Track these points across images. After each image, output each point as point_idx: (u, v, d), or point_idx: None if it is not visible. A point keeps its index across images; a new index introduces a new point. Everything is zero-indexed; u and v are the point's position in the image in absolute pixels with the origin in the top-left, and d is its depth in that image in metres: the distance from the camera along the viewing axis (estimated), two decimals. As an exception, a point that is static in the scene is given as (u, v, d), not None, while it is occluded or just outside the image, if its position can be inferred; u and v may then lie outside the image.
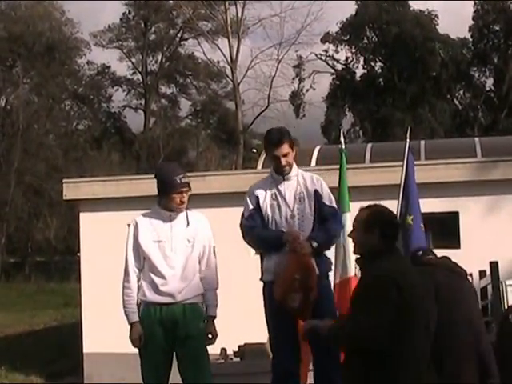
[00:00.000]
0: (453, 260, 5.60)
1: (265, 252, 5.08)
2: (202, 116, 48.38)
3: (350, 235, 4.10)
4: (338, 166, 7.08)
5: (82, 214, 13.23)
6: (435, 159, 11.93)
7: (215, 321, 5.06)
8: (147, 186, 12.16)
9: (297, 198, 5.14)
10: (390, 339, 3.76)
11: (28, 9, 42.76)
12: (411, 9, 42.00)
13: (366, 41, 43.37)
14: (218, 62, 42.44)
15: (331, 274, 5.70)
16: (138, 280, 4.98)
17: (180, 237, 4.98)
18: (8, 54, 41.45)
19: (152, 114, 46.25)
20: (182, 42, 46.06)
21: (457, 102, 42.89)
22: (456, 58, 40.57)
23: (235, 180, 12.27)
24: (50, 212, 38.74)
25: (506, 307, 6.01)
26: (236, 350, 8.87)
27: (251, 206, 5.17)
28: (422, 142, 13.89)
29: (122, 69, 48.01)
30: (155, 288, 4.92)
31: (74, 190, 13.21)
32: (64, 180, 13.73)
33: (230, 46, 37.35)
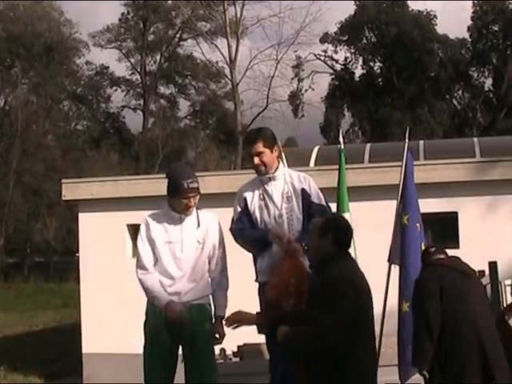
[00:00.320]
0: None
1: (256, 253, 5.09)
2: (200, 116, 48.38)
3: (305, 241, 4.29)
4: (337, 167, 7.08)
5: (80, 215, 13.22)
6: (434, 159, 11.92)
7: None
8: (146, 186, 12.19)
9: (284, 198, 5.13)
10: (347, 340, 3.84)
11: (26, 9, 42.73)
12: (410, 9, 42.01)
13: (364, 41, 43.37)
14: (217, 63, 42.47)
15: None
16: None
17: (190, 238, 4.98)
18: (7, 54, 41.44)
19: (151, 115, 46.23)
20: (180, 43, 46.06)
21: (456, 103, 42.90)
22: (455, 59, 40.58)
23: (234, 180, 12.27)
24: (48, 212, 38.73)
25: (504, 306, 6.02)
26: (235, 350, 8.88)
27: (239, 209, 5.19)
28: (421, 142, 13.89)
29: (120, 69, 48.26)
30: (163, 288, 4.92)
31: (72, 190, 13.20)
32: (63, 180, 13.71)
33: (229, 47, 37.33)
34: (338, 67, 44.07)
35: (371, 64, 43.53)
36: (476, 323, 5.27)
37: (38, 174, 38.91)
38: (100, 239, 12.68)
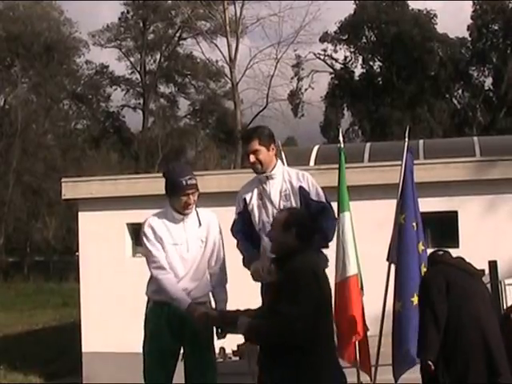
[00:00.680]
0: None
1: (244, 264, 5.09)
2: (200, 115, 48.37)
3: (268, 235, 4.30)
4: (336, 166, 7.07)
5: (80, 214, 13.20)
6: (434, 158, 11.92)
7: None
8: (146, 185, 12.18)
9: (282, 196, 5.13)
10: (312, 330, 3.91)
11: (26, 9, 42.73)
12: (410, 8, 42.01)
13: (364, 40, 43.36)
14: (217, 62, 42.49)
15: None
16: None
17: (194, 238, 4.99)
18: (6, 53, 41.43)
19: (151, 114, 46.22)
20: (180, 42, 46.05)
21: (455, 102, 42.90)
22: (455, 58, 40.57)
23: (233, 179, 12.27)
24: (48, 212, 38.76)
25: (507, 307, 6.04)
26: (235, 349, 8.88)
27: (237, 210, 5.24)
28: (421, 142, 13.88)
29: (120, 68, 48.24)
30: None
31: (72, 189, 13.19)
32: (63, 179, 13.69)
33: (229, 46, 37.33)
34: (338, 66, 44.10)
35: (371, 63, 43.53)
36: (480, 321, 5.32)
37: (37, 174, 38.93)
38: (100, 238, 12.67)
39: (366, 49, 43.04)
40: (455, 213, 11.47)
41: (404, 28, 39.93)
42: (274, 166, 5.18)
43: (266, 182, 5.16)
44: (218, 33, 40.45)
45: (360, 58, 43.51)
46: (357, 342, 6.51)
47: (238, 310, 4.46)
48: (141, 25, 45.59)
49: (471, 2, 40.78)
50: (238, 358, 8.94)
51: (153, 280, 4.99)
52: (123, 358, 11.02)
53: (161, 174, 5.19)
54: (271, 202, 5.12)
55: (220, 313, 4.75)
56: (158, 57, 46.34)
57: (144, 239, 4.97)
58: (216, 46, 39.75)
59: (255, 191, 5.19)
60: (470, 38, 41.29)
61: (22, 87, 42.14)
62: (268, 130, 5.31)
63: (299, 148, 24.17)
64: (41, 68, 41.72)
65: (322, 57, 43.14)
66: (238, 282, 5.20)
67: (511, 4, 39.86)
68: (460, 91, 43.12)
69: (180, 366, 5.03)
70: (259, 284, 5.04)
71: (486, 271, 8.03)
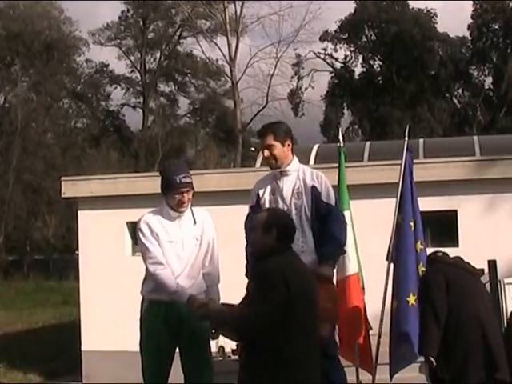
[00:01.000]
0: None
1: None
2: (200, 114, 48.37)
3: (248, 237, 4.30)
4: (336, 165, 7.07)
5: (80, 212, 13.19)
6: (434, 158, 11.91)
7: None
8: (145, 184, 12.17)
9: (294, 193, 5.13)
10: (274, 330, 3.87)
11: (27, 7, 42.74)
12: (410, 8, 42.00)
13: (364, 39, 43.35)
14: (217, 61, 42.50)
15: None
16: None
17: (189, 236, 4.99)
18: (6, 52, 41.43)
19: (150, 113, 46.22)
20: (180, 41, 46.06)
21: (456, 101, 42.89)
22: (455, 57, 40.56)
23: (233, 178, 12.26)
24: (48, 210, 38.78)
25: (511, 313, 6.07)
26: (234, 348, 8.88)
27: (250, 204, 5.25)
28: (421, 141, 13.87)
29: (120, 67, 48.26)
30: None
31: (72, 188, 13.18)
32: (62, 178, 13.68)
33: (229, 45, 37.32)
34: (338, 65, 44.08)
35: (371, 62, 43.52)
36: (479, 319, 5.35)
37: (37, 172, 38.94)
38: (100, 237, 12.66)
39: (366, 48, 43.02)
40: (455, 212, 11.46)
41: (404, 27, 39.91)
42: (290, 163, 5.18)
43: (280, 177, 5.17)
44: (218, 32, 40.45)
45: (360, 57, 43.52)
46: (356, 341, 6.52)
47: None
48: (141, 23, 45.58)
49: (471, 2, 40.82)
50: (237, 357, 8.93)
51: (149, 278, 4.97)
52: (123, 357, 11.01)
53: (160, 173, 5.19)
54: (283, 199, 5.12)
55: (220, 308, 4.71)
56: (158, 55, 46.38)
57: (140, 235, 4.97)
58: (216, 44, 39.81)
59: (269, 186, 5.20)
60: (470, 38, 41.29)
61: (22, 86, 42.13)
62: (285, 125, 5.31)
63: (299, 147, 24.10)
64: (41, 66, 41.72)
65: (322, 56, 43.20)
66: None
67: (511, 3, 39.85)
68: (460, 90, 43.11)
69: (178, 367, 5.04)
70: None
71: (486, 270, 8.03)
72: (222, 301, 5.03)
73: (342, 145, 7.11)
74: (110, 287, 12.21)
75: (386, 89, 41.37)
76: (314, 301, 4.15)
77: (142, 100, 46.10)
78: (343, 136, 7.44)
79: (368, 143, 14.70)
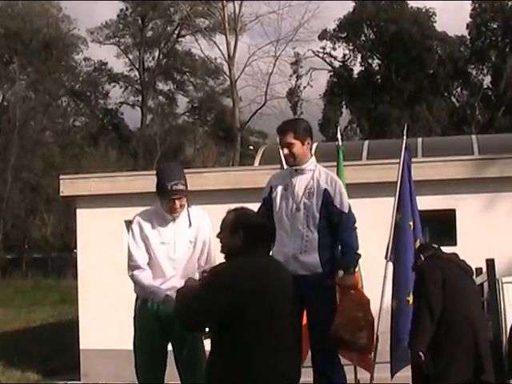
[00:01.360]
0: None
1: None
2: (199, 113, 48.34)
3: (217, 236, 4.21)
4: (335, 164, 7.08)
5: (78, 211, 13.19)
6: (432, 157, 11.91)
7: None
8: (144, 182, 12.15)
9: (306, 192, 5.11)
10: (236, 333, 3.83)
11: (25, 5, 42.67)
12: (409, 6, 42.00)
13: (363, 38, 43.35)
14: (216, 59, 42.46)
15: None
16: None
17: (183, 239, 4.98)
18: (5, 50, 41.37)
19: (149, 111, 46.19)
20: (179, 39, 46.03)
21: (454, 100, 42.90)
22: (453, 56, 40.57)
23: (232, 177, 12.27)
24: (46, 208, 38.77)
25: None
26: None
27: (263, 195, 5.27)
28: (420, 140, 13.88)
29: (119, 65, 48.16)
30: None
31: (70, 186, 13.17)
32: (61, 176, 13.66)
33: (228, 43, 37.30)
34: (337, 64, 44.07)
35: (370, 61, 43.53)
36: (470, 319, 5.36)
37: (36, 170, 38.92)
38: (98, 235, 12.66)
39: (365, 47, 43.03)
40: (453, 211, 11.47)
41: (403, 26, 39.92)
42: (307, 162, 5.17)
43: (294, 175, 5.17)
44: (217, 30, 40.43)
45: (359, 56, 43.51)
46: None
47: None
48: (139, 22, 45.53)
49: (470, 1, 40.83)
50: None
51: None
52: (121, 355, 10.99)
53: (159, 172, 5.18)
54: (293, 196, 5.12)
55: (194, 285, 4.62)
56: (156, 54, 46.34)
57: (130, 236, 5.02)
58: (215, 43, 39.80)
59: (283, 182, 5.20)
60: (469, 37, 41.29)
61: (20, 84, 42.08)
62: (306, 123, 5.32)
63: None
64: (39, 65, 41.68)
65: (320, 55, 43.19)
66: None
67: (510, 2, 39.87)
68: (459, 89, 43.12)
69: (173, 365, 5.04)
70: None
71: (484, 269, 8.04)
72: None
73: (340, 143, 7.12)
74: (109, 285, 12.20)
75: (384, 88, 41.38)
76: (284, 302, 3.99)
77: (140, 98, 46.07)
78: (342, 135, 7.46)
79: (366, 142, 14.72)
